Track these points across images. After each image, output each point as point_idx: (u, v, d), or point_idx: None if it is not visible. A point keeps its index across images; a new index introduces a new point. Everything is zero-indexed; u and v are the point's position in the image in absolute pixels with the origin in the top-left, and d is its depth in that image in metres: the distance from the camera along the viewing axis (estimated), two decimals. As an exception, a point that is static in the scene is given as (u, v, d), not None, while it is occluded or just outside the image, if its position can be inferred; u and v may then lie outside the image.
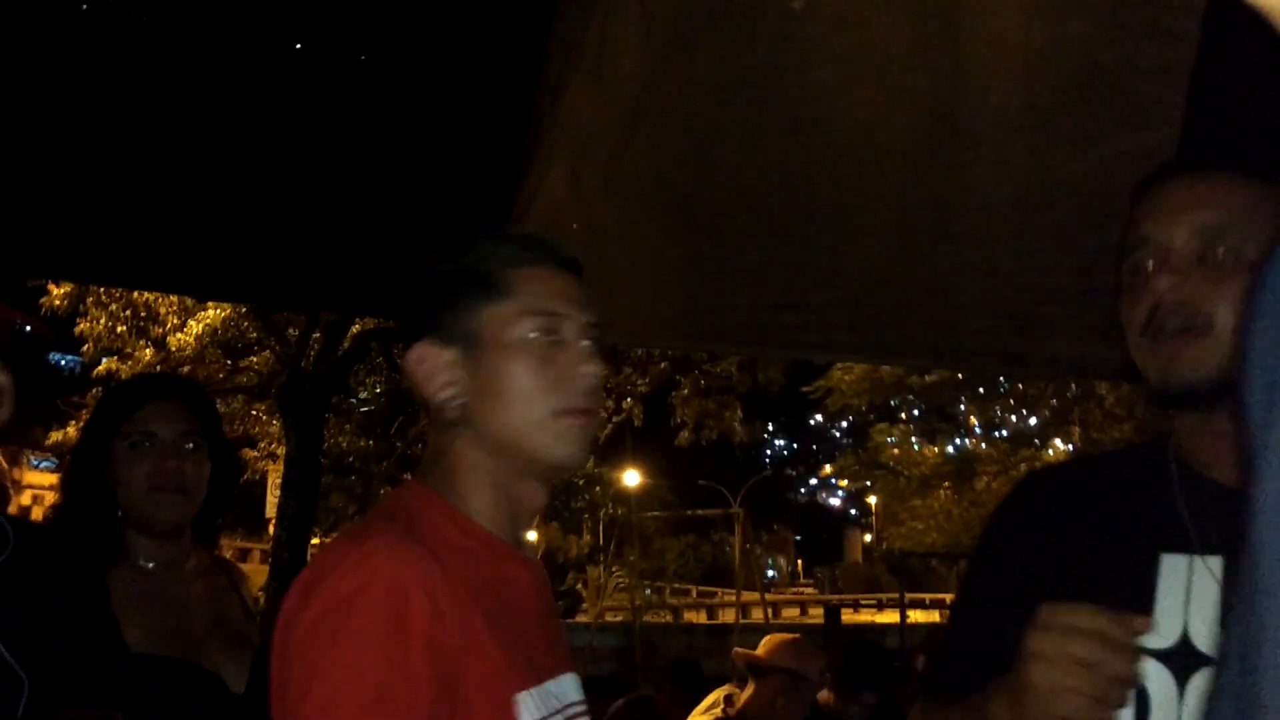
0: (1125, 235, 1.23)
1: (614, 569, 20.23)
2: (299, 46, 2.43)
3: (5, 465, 3.87)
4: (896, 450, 23.21)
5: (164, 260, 2.64)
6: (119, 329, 12.14)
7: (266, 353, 13.09)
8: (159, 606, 2.00)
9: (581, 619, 19.25)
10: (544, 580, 1.39)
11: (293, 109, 2.45)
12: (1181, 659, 1.17)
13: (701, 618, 24.77)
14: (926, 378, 17.46)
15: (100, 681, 1.52)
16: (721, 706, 3.75)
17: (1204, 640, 1.16)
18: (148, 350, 12.56)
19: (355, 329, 11.59)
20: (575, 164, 2.49)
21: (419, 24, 2.41)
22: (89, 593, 1.60)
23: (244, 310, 11.92)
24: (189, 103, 2.37)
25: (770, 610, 22.91)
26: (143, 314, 12.08)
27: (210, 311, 12.16)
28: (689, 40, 2.22)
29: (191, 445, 2.03)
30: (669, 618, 22.11)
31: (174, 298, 11.52)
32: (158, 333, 12.48)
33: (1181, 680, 1.16)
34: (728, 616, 22.63)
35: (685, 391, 16.97)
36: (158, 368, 12.57)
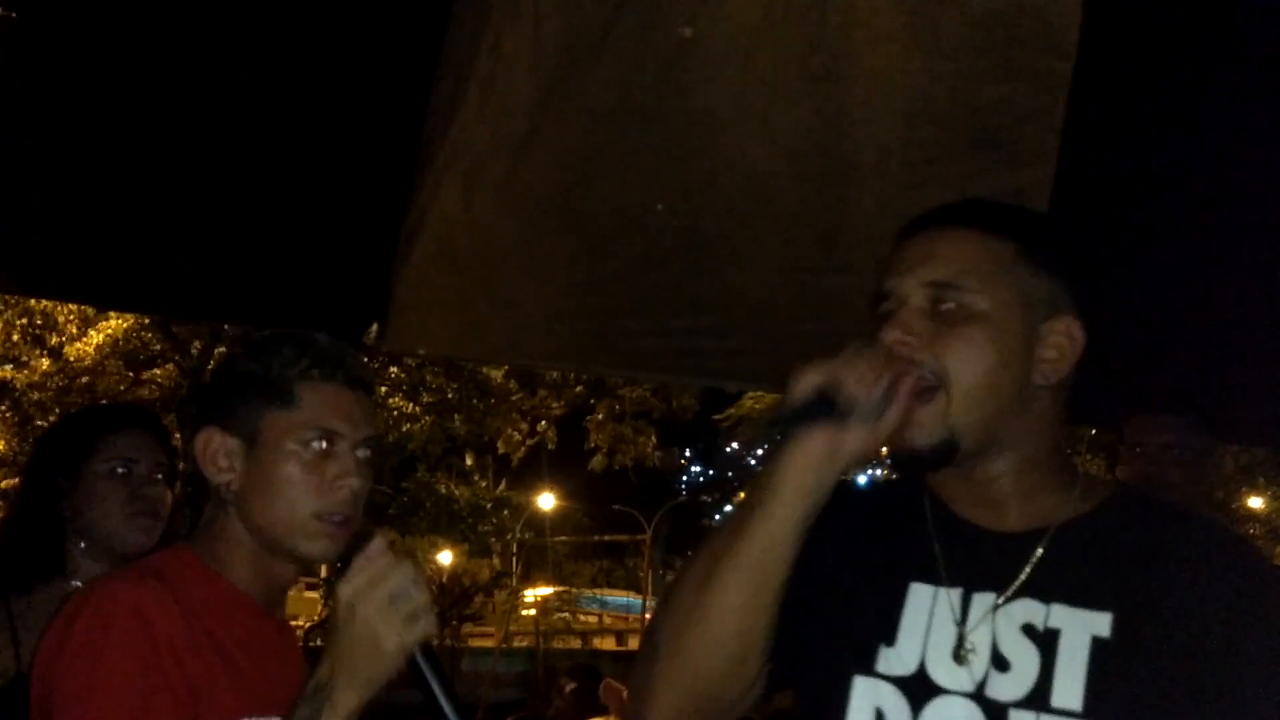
0: (876, 283, 1.28)
1: (521, 591, 20.13)
2: (206, 63, 2.40)
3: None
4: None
5: (61, 266, 2.60)
6: (14, 336, 11.77)
7: (170, 366, 12.81)
8: None
9: (487, 644, 19.05)
10: (291, 640, 1.59)
11: (191, 124, 2.42)
12: (917, 688, 1.21)
13: (610, 644, 24.67)
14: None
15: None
16: None
17: (938, 671, 1.20)
18: (44, 360, 12.20)
19: (262, 344, 11.41)
20: (467, 182, 2.48)
21: (313, 40, 2.39)
22: None
23: (146, 322, 11.67)
24: (93, 111, 2.34)
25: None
26: (39, 322, 11.75)
27: (112, 321, 11.87)
28: (580, 62, 2.22)
29: (161, 476, 2.15)
30: (576, 644, 21.98)
31: (73, 306, 11.22)
32: (55, 342, 12.13)
33: (916, 708, 1.20)
34: (636, 643, 22.53)
35: (600, 416, 16.95)
36: (55, 378, 12.21)
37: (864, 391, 1.14)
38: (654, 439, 17.65)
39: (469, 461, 18.83)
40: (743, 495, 1.29)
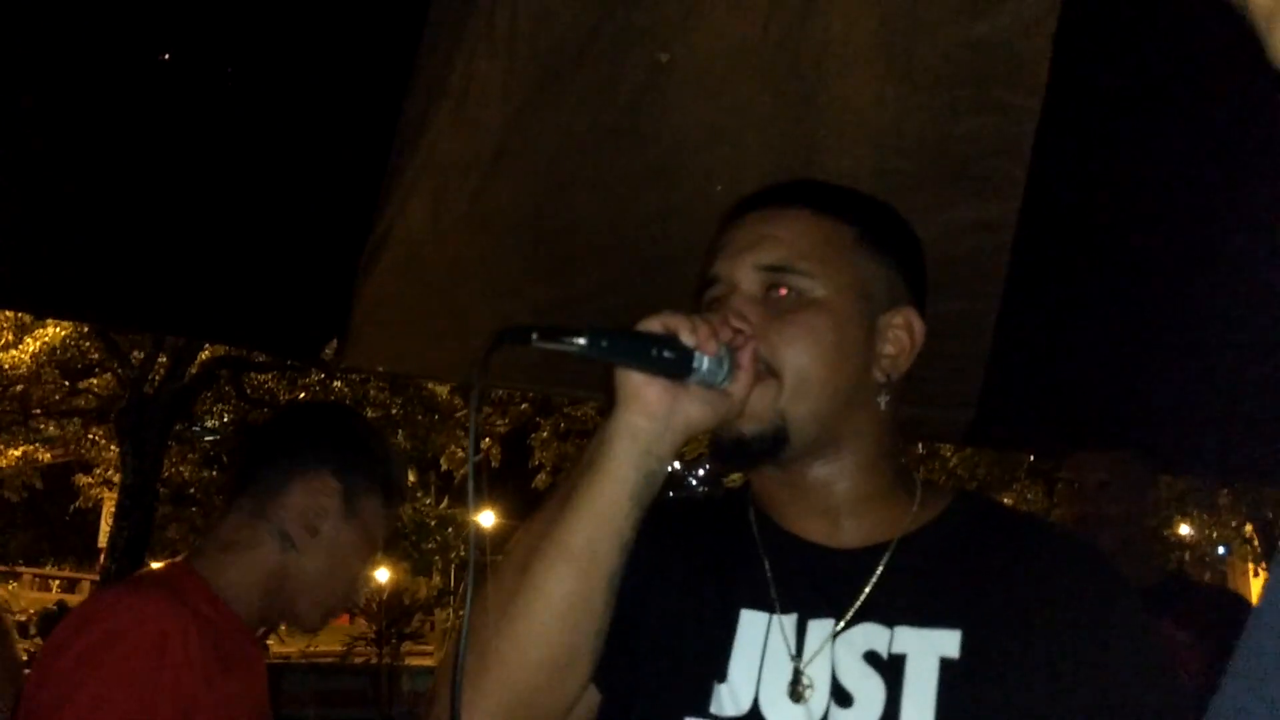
0: (702, 269, 1.19)
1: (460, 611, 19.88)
2: (159, 60, 2.35)
3: None
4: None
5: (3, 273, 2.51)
6: (-53, 343, 11.49)
7: (108, 375, 12.55)
8: None
9: (427, 662, 18.82)
10: (261, 656, 1.66)
11: (146, 127, 2.36)
12: None
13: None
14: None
15: None
16: None
17: (774, 710, 1.09)
18: (-23, 367, 11.90)
19: (204, 355, 11.21)
20: (436, 199, 2.46)
21: (282, 49, 2.36)
22: None
23: (85, 330, 11.43)
24: (40, 113, 2.27)
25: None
26: (-27, 328, 11.46)
27: (49, 329, 11.61)
28: (554, 83, 2.22)
29: None
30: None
31: (9, 313, 10.97)
32: (-11, 349, 11.84)
33: None
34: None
35: (545, 434, 16.89)
36: (-13, 385, 11.91)
37: (704, 344, 1.04)
38: (598, 458, 17.55)
39: (412, 478, 18.65)
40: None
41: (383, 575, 20.70)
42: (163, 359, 11.28)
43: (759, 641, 1.11)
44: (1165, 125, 2.24)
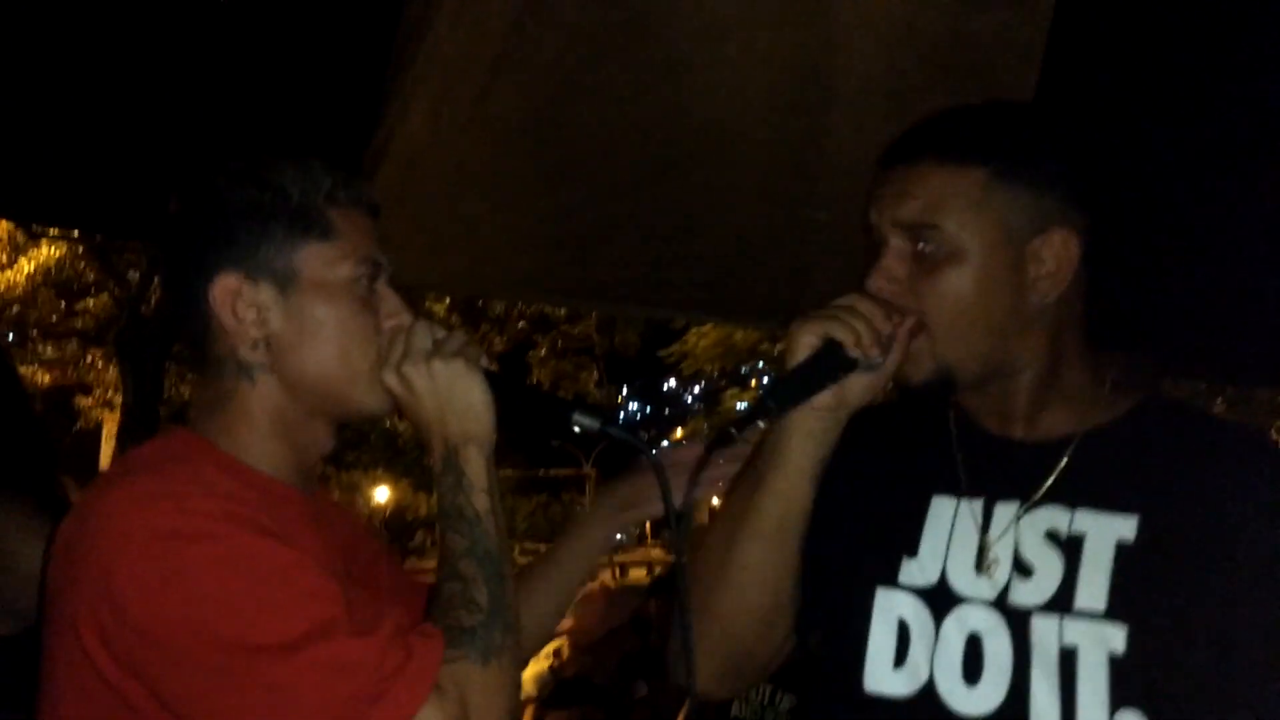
0: (864, 212, 1.27)
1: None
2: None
3: None
4: (747, 416, 23.56)
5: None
6: (-60, 264, 11.43)
7: (104, 295, 12.51)
8: None
9: (429, 579, 19.07)
10: (330, 514, 1.33)
11: (140, 30, 2.31)
12: (938, 597, 1.24)
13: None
14: (779, 345, 17.80)
15: None
16: (552, 658, 3.89)
17: (960, 580, 1.23)
18: (-28, 288, 11.85)
19: (201, 274, 11.15)
20: (437, 105, 2.41)
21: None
22: None
23: (80, 250, 11.36)
24: (31, 22, 2.22)
25: (618, 570, 23.16)
26: (-33, 249, 11.39)
27: (44, 249, 11.54)
28: (559, -18, 2.16)
29: None
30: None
31: (2, 235, 10.90)
32: (-16, 269, 11.78)
33: (938, 617, 1.23)
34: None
35: (543, 351, 16.93)
36: (-17, 307, 11.87)
37: (868, 351, 1.19)
38: (596, 375, 17.66)
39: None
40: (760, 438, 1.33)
41: (383, 494, 20.86)
42: (159, 278, 11.23)
43: (948, 522, 1.26)
44: (1184, 24, 2.19)
